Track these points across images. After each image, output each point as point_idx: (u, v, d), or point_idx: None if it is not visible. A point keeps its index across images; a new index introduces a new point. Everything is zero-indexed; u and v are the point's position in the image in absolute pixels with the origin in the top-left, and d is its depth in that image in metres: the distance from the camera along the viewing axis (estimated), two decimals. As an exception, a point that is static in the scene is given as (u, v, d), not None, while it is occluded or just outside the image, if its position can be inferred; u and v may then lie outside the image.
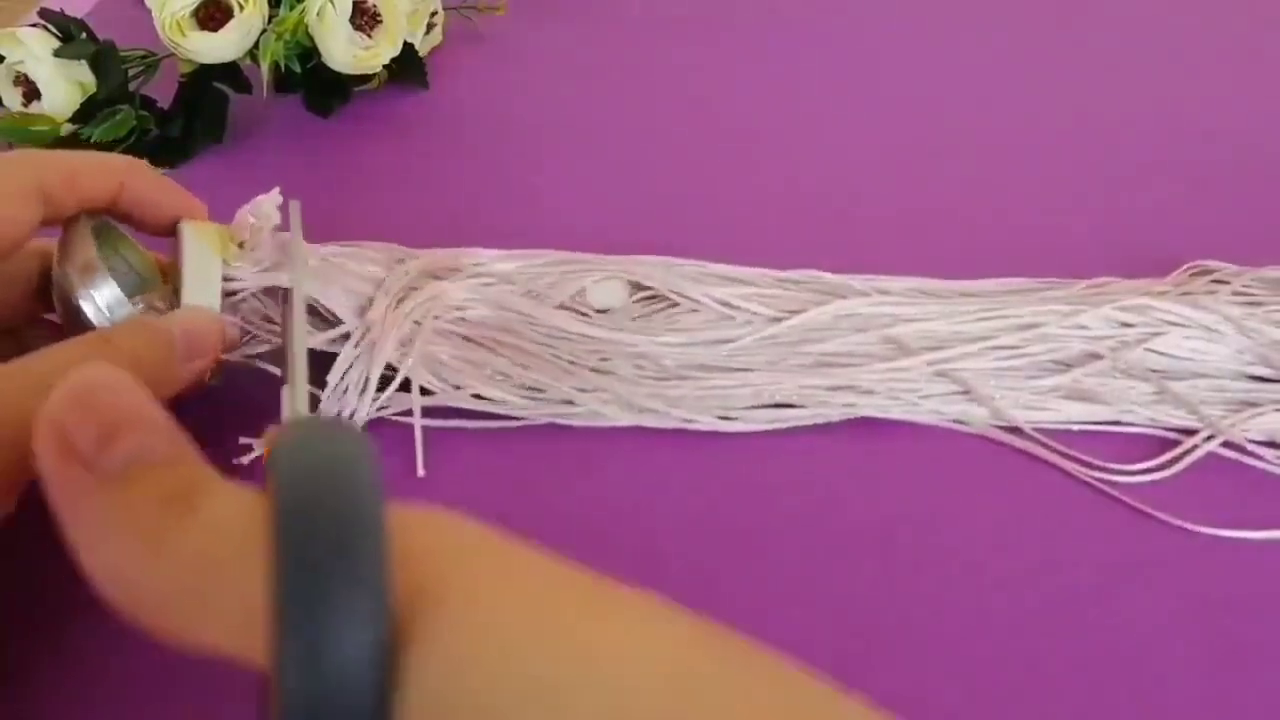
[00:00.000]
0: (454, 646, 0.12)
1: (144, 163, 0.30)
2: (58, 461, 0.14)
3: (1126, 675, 0.26)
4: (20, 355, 0.28)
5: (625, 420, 0.32)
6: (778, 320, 0.35)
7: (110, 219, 0.29)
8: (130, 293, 0.28)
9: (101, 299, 0.27)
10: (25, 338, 0.30)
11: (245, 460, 0.30)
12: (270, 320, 0.31)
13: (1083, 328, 0.35)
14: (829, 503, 0.31)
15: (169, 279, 0.30)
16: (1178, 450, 0.32)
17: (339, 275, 0.33)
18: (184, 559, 0.13)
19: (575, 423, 0.32)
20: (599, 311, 0.35)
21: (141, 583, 0.13)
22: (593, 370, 0.33)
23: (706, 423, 0.32)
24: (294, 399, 0.26)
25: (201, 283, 0.29)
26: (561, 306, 0.35)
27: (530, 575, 0.13)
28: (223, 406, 0.31)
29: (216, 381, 0.31)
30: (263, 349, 0.31)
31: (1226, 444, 0.33)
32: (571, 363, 0.33)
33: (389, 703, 0.12)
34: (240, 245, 0.31)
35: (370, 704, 0.11)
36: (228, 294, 0.30)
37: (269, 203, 0.31)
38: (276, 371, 0.31)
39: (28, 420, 0.21)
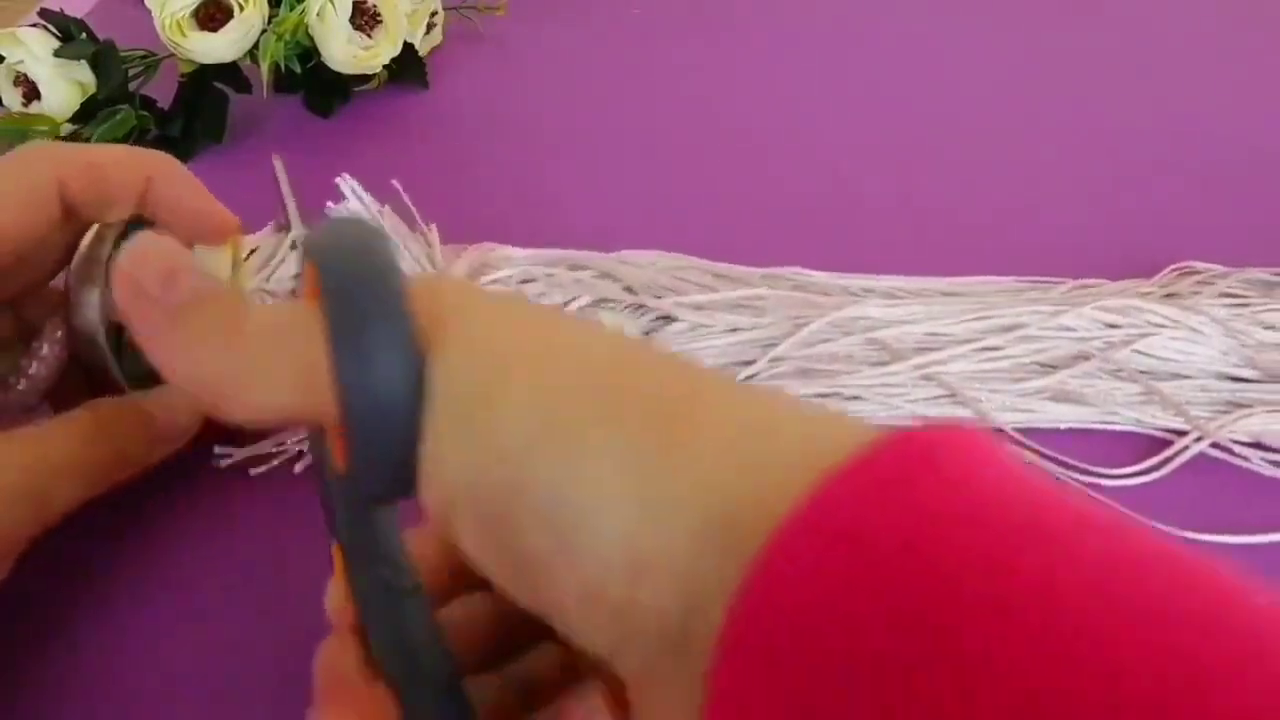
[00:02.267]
0: (458, 347, 0.16)
1: (175, 160, 0.29)
2: (136, 302, 0.18)
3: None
4: (18, 329, 0.28)
5: None
6: (771, 340, 0.35)
7: (135, 225, 0.28)
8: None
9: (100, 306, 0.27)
10: (24, 309, 0.29)
11: (223, 464, 0.30)
12: None
13: (1068, 329, 0.35)
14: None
15: None
16: (1165, 453, 0.32)
17: None
18: (250, 345, 0.17)
19: None
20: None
21: (216, 373, 0.17)
22: None
23: None
24: None
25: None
26: None
27: (508, 303, 0.18)
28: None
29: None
30: None
31: (1214, 445, 0.33)
32: None
33: (422, 400, 0.16)
34: (246, 257, 0.31)
35: (408, 402, 0.16)
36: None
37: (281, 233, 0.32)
38: None
39: (22, 493, 0.24)
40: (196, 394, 0.18)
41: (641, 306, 0.36)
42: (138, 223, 0.28)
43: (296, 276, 0.32)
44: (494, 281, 0.35)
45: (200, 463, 0.30)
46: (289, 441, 0.31)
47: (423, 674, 0.18)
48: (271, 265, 0.31)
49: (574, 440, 0.15)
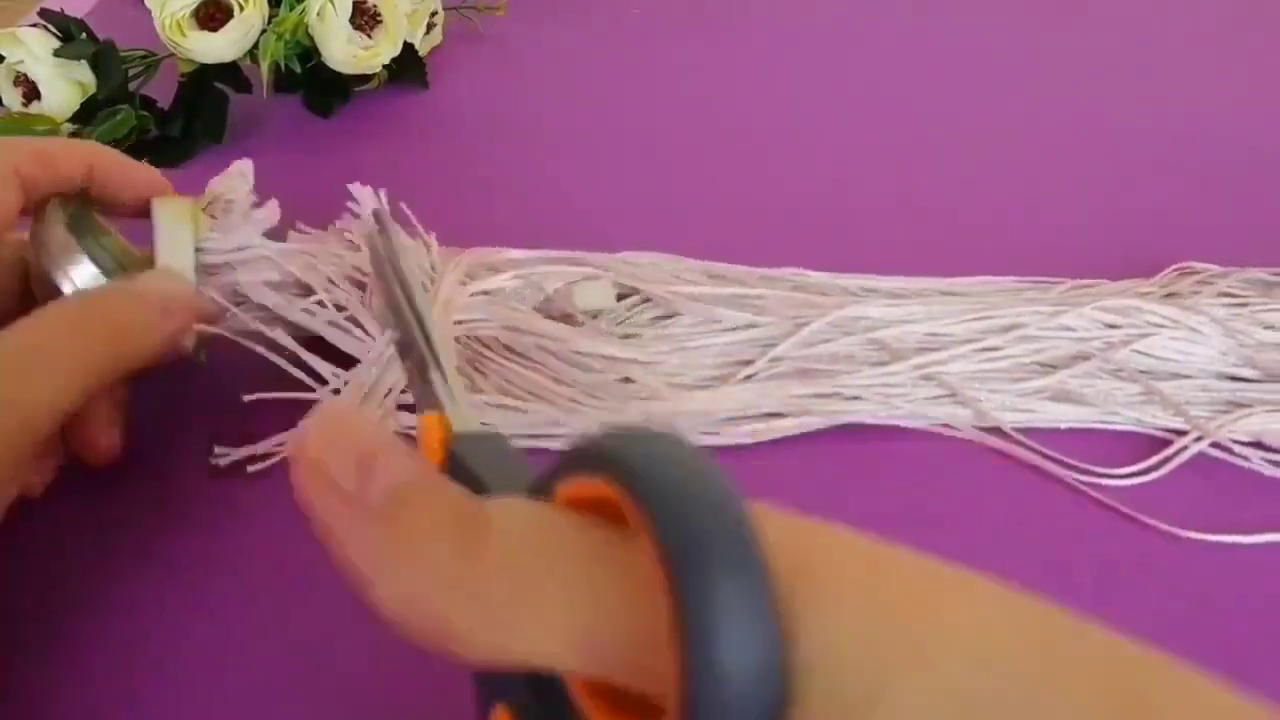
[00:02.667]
0: (838, 616, 0.12)
1: (106, 146, 0.31)
2: (328, 500, 0.14)
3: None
4: None
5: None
6: (770, 340, 0.35)
7: (83, 205, 0.30)
8: (107, 273, 0.28)
9: (79, 278, 0.27)
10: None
11: (222, 463, 0.30)
12: (240, 295, 0.31)
13: (1068, 329, 0.35)
14: (817, 509, 0.31)
15: (143, 263, 0.30)
16: (1165, 452, 0.32)
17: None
18: (493, 572, 0.13)
19: (555, 446, 0.32)
20: (585, 313, 0.35)
21: (449, 604, 0.13)
22: (572, 397, 0.33)
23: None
24: (449, 386, 0.21)
25: (174, 253, 0.29)
26: (553, 314, 0.35)
27: (878, 554, 0.14)
28: (188, 399, 0.32)
29: (202, 360, 0.30)
30: (243, 324, 0.31)
31: (1214, 445, 0.33)
32: (557, 381, 0.33)
33: (789, 687, 0.12)
34: (212, 217, 0.31)
35: (776, 693, 0.12)
36: (203, 267, 0.30)
37: (237, 173, 0.31)
38: (256, 347, 0.31)
39: (15, 402, 0.22)
40: (411, 623, 0.14)
41: (647, 300, 0.36)
42: (83, 211, 0.29)
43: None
44: (484, 291, 0.34)
45: (197, 461, 0.30)
46: (289, 441, 0.31)
47: None
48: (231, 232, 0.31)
49: None
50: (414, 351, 0.22)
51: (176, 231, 0.29)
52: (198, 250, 0.30)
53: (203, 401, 0.32)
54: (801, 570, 0.13)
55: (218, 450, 0.30)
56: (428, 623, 0.13)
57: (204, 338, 0.30)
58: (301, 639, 0.26)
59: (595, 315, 0.35)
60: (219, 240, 0.30)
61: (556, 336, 0.33)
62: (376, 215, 0.31)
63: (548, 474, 0.15)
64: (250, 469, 0.30)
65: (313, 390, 0.31)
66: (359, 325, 0.32)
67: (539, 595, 0.13)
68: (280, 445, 0.31)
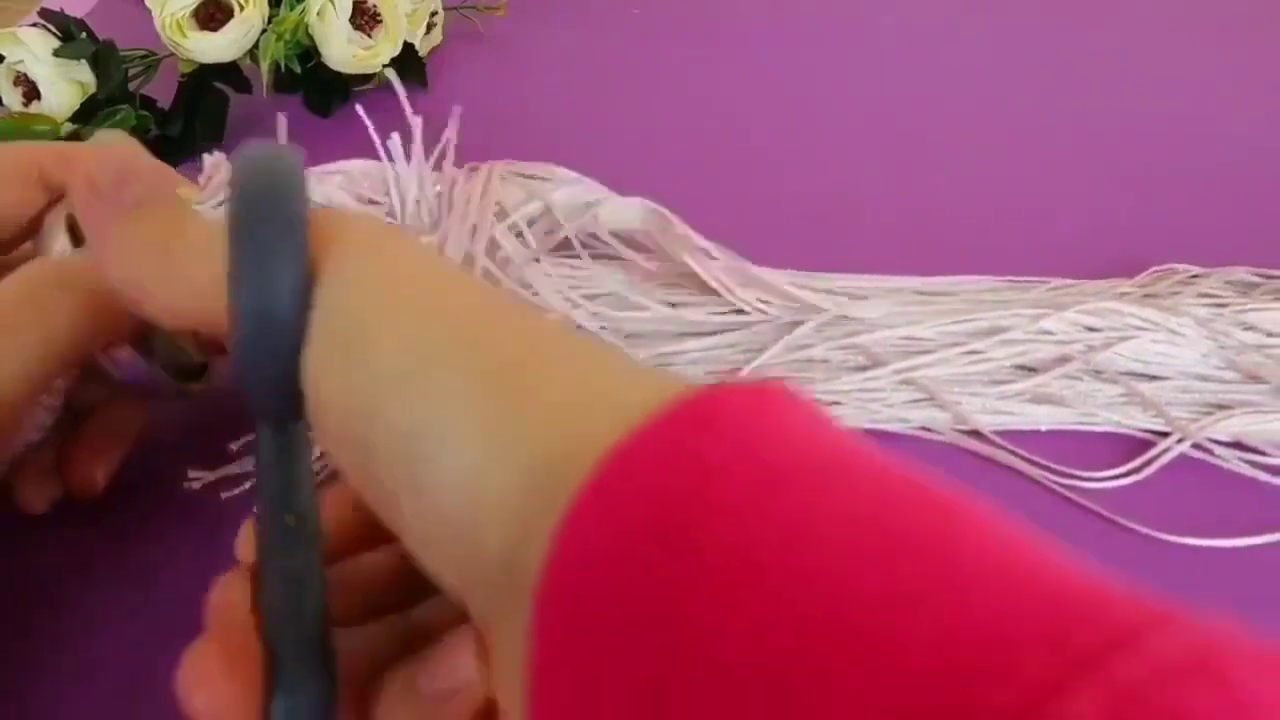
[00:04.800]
0: (347, 274, 0.17)
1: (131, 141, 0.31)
2: (88, 197, 0.20)
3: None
4: None
5: None
6: (751, 345, 0.35)
7: None
8: None
9: None
10: None
11: (195, 486, 0.30)
12: None
13: (1048, 333, 0.35)
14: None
15: None
16: (1147, 455, 0.32)
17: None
18: (173, 253, 0.19)
19: None
20: (615, 234, 0.35)
21: (143, 273, 0.19)
22: None
23: None
24: None
25: None
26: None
27: (407, 245, 0.19)
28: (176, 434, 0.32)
29: (200, 386, 0.30)
30: None
31: (1194, 446, 0.33)
32: None
33: (306, 322, 0.17)
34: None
35: (291, 318, 0.17)
36: None
37: (220, 157, 0.31)
38: None
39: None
40: (123, 290, 0.19)
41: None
42: None
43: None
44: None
45: (171, 485, 0.30)
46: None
47: (296, 623, 0.18)
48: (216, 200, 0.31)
49: (435, 379, 0.16)
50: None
51: None
52: None
53: (177, 420, 0.32)
54: (336, 241, 0.17)
55: (191, 474, 0.30)
56: (130, 284, 0.19)
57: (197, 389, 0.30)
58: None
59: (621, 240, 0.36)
60: (204, 208, 0.30)
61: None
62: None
63: None
64: (224, 495, 0.30)
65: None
66: None
67: (192, 268, 0.18)
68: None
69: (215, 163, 0.31)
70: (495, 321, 0.17)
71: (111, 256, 0.19)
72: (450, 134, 0.37)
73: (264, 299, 0.16)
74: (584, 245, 0.37)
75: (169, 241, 0.19)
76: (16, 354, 0.24)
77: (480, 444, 0.15)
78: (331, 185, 0.33)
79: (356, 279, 0.17)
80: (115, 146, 0.21)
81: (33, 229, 0.28)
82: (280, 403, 0.17)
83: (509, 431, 0.15)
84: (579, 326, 0.34)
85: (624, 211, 0.36)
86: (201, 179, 0.31)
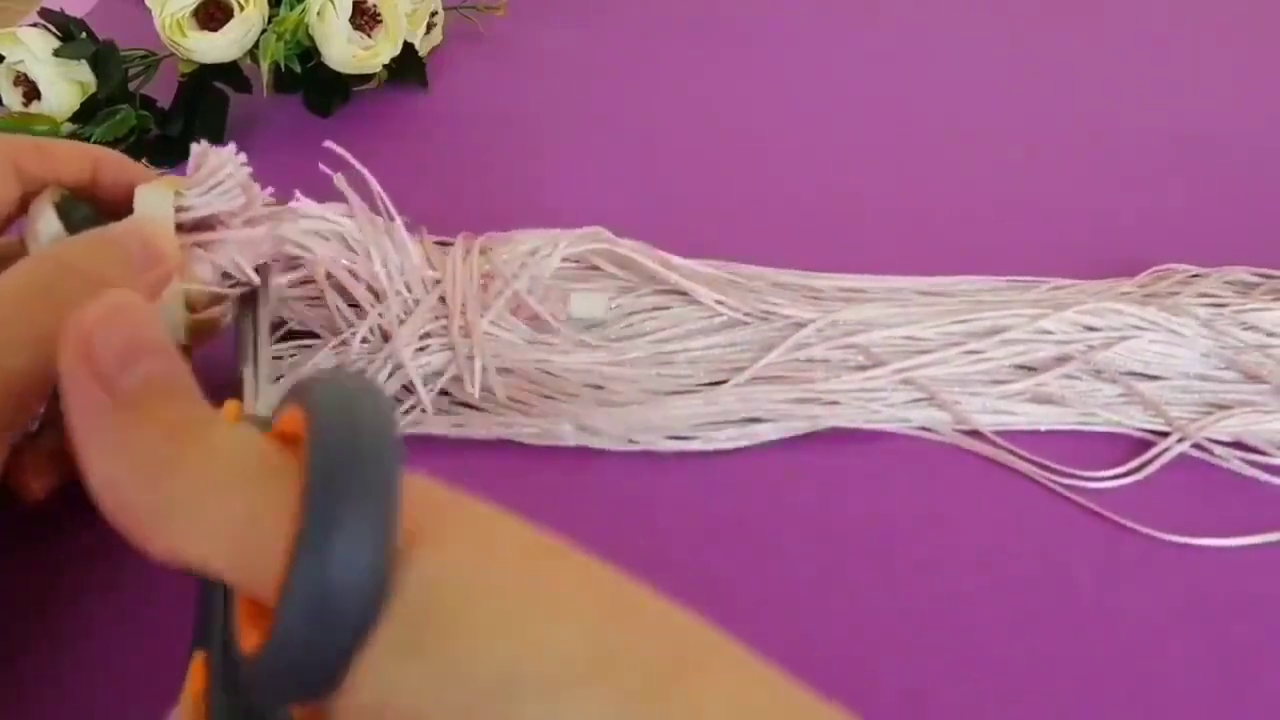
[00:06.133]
0: (442, 553, 0.14)
1: (108, 149, 0.30)
2: (80, 371, 0.15)
3: (1096, 680, 0.27)
4: None
5: (573, 440, 0.32)
6: (748, 344, 0.35)
7: (74, 196, 0.29)
8: None
9: None
10: None
11: None
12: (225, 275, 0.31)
13: (1047, 332, 0.35)
14: (797, 513, 0.31)
15: None
16: (1146, 455, 0.33)
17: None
18: (185, 482, 0.14)
19: (526, 441, 0.32)
20: (578, 320, 0.35)
21: (138, 499, 0.15)
22: (547, 395, 0.33)
23: (647, 441, 0.32)
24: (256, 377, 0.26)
25: (152, 207, 0.28)
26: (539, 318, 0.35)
27: (496, 524, 0.16)
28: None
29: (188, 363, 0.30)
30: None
31: (1194, 446, 0.33)
32: (530, 382, 0.33)
33: (377, 608, 0.14)
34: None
35: (366, 601, 0.13)
36: (184, 225, 0.29)
37: (206, 145, 0.31)
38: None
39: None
40: (108, 503, 0.15)
41: (631, 289, 0.36)
42: (76, 201, 0.29)
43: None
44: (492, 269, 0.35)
45: None
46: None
47: None
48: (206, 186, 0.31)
49: (556, 695, 0.13)
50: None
51: (155, 193, 0.29)
52: (177, 210, 0.29)
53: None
54: (418, 516, 0.14)
55: None
56: (122, 510, 0.15)
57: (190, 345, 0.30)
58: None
59: (589, 327, 0.35)
60: (195, 195, 0.29)
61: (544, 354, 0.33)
62: (260, 269, 0.31)
63: (275, 410, 0.17)
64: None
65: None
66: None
67: (213, 506, 0.14)
68: None
69: (202, 151, 0.30)
70: (634, 625, 0.14)
71: (100, 460, 0.15)
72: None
73: (336, 579, 0.13)
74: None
75: (182, 454, 0.15)
76: (23, 346, 0.23)
77: None
78: (304, 228, 0.32)
79: (454, 556, 0.14)
80: (122, 303, 0.15)
81: (6, 224, 0.28)
82: (306, 686, 0.14)
83: None
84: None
85: (589, 300, 0.36)
86: (189, 168, 0.30)
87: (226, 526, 0.14)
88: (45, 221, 0.28)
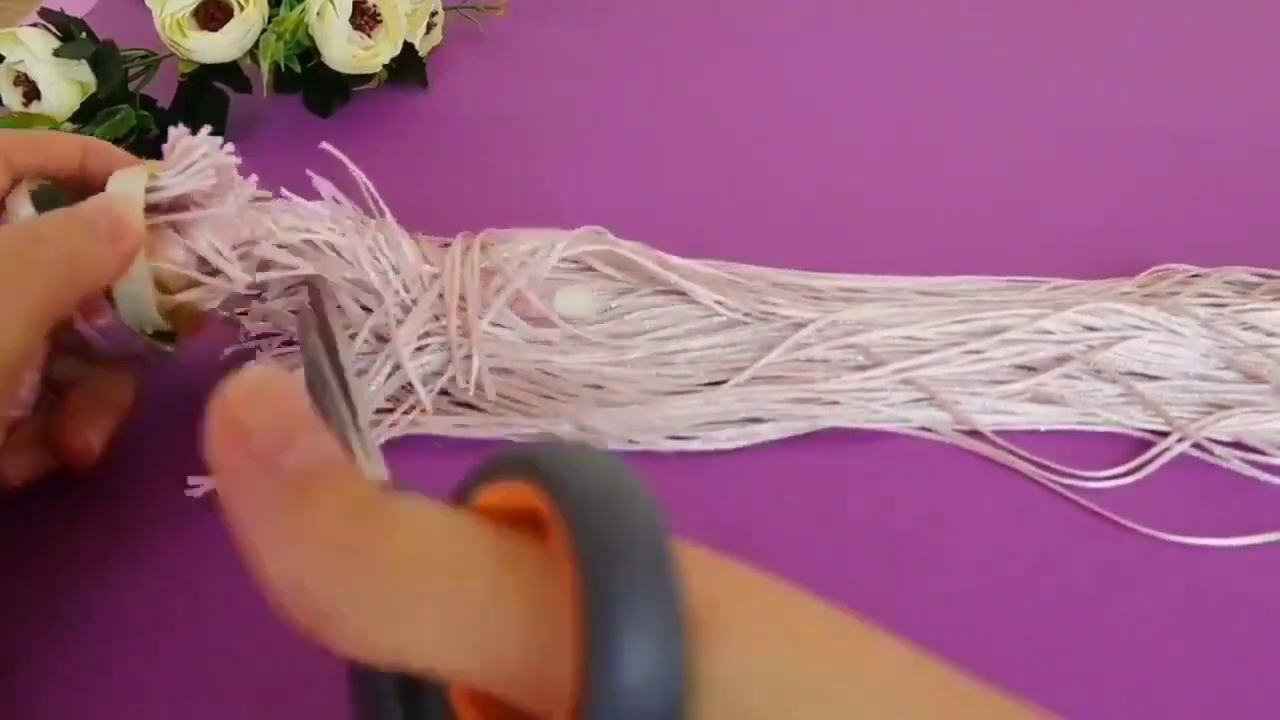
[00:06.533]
0: (742, 641, 0.13)
1: (102, 140, 0.31)
2: (237, 456, 0.13)
3: (1096, 680, 0.27)
4: None
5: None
6: (747, 343, 0.35)
7: (52, 187, 0.29)
8: None
9: None
10: None
11: (198, 493, 0.30)
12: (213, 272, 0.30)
13: (1047, 332, 0.35)
14: (797, 513, 0.31)
15: None
16: (1146, 455, 0.33)
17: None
18: (382, 569, 0.13)
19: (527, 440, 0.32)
20: (565, 319, 0.35)
21: (328, 591, 0.13)
22: (546, 395, 0.33)
23: (647, 441, 0.32)
24: (364, 442, 0.22)
25: (123, 187, 0.28)
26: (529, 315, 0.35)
27: (789, 601, 0.14)
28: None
29: (174, 350, 0.30)
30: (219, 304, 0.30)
31: (1194, 446, 0.33)
32: (530, 384, 0.33)
33: (685, 709, 0.12)
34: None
35: (670, 709, 0.12)
36: (159, 206, 0.29)
37: (184, 130, 0.31)
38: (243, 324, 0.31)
39: None
40: (290, 600, 0.13)
41: (630, 289, 0.36)
42: (54, 190, 0.29)
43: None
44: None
45: (172, 491, 0.30)
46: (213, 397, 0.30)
47: None
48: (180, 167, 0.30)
49: None
50: (334, 414, 0.22)
51: (128, 176, 0.29)
52: (150, 191, 0.29)
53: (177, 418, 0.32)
54: (711, 601, 0.13)
55: (191, 481, 0.30)
56: (313, 606, 0.13)
57: (188, 322, 0.30)
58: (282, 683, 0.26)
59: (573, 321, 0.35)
60: (169, 176, 0.29)
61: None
62: (310, 280, 0.31)
63: (466, 481, 0.15)
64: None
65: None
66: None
67: (438, 595, 0.13)
68: None
69: (177, 134, 0.30)
70: (959, 716, 0.14)
71: (276, 552, 0.13)
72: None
73: (635, 688, 0.12)
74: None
75: (374, 539, 0.13)
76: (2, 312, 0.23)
77: None
78: (288, 229, 0.32)
79: (763, 659, 0.13)
80: (266, 378, 0.14)
81: None
82: None
83: None
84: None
85: (574, 296, 0.36)
86: (164, 149, 0.30)
87: (437, 618, 0.13)
88: (21, 208, 0.28)
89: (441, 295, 0.34)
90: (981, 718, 0.14)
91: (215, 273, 0.30)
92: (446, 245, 0.36)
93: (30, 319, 0.24)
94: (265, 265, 0.31)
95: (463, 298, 0.34)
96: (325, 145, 0.34)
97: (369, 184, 0.34)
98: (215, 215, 0.29)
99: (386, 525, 0.13)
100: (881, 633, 0.14)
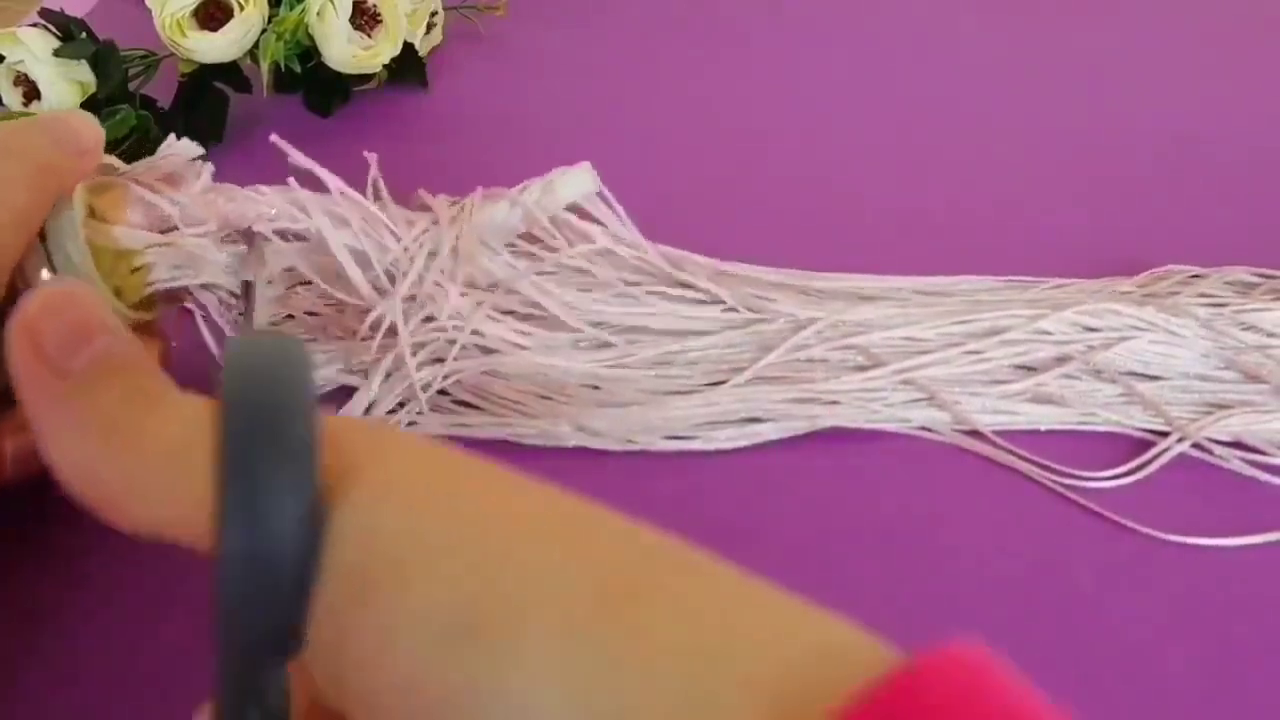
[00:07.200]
0: (368, 502, 0.14)
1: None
2: (29, 361, 0.15)
3: (1096, 679, 0.27)
4: None
5: (573, 441, 0.32)
6: (745, 344, 0.35)
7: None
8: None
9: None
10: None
11: None
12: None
13: (1047, 333, 0.35)
14: (797, 513, 0.31)
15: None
16: (1146, 455, 0.33)
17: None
18: (142, 451, 0.15)
19: (525, 441, 0.32)
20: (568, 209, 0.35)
21: (101, 473, 0.15)
22: (545, 395, 0.33)
23: (646, 441, 0.32)
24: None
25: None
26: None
27: (430, 458, 0.15)
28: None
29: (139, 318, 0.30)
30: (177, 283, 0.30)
31: (1194, 446, 0.33)
32: (529, 382, 0.33)
33: (316, 561, 0.14)
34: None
35: (296, 561, 0.13)
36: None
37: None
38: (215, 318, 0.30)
39: None
40: (74, 484, 0.15)
41: (629, 290, 0.36)
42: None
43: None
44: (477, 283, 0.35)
45: None
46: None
47: None
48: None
49: (506, 634, 0.13)
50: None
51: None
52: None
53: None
54: (354, 467, 0.14)
55: None
56: (87, 487, 0.15)
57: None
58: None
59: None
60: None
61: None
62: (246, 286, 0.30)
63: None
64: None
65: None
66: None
67: (176, 475, 0.14)
68: None
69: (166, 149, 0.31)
70: (585, 550, 0.14)
71: (59, 441, 0.15)
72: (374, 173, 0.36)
73: (258, 541, 0.13)
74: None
75: (140, 423, 0.15)
76: None
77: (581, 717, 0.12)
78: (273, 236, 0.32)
79: (382, 502, 0.14)
80: (63, 290, 0.15)
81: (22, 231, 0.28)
82: (266, 651, 0.14)
83: (619, 702, 0.12)
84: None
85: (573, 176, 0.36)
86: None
87: (186, 493, 0.14)
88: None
89: (434, 253, 0.33)
90: (600, 553, 0.14)
91: (169, 229, 0.29)
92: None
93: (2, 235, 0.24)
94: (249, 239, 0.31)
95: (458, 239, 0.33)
96: (274, 138, 0.34)
97: (331, 176, 0.34)
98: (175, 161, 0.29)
99: (148, 412, 0.15)
100: (517, 477, 0.15)
